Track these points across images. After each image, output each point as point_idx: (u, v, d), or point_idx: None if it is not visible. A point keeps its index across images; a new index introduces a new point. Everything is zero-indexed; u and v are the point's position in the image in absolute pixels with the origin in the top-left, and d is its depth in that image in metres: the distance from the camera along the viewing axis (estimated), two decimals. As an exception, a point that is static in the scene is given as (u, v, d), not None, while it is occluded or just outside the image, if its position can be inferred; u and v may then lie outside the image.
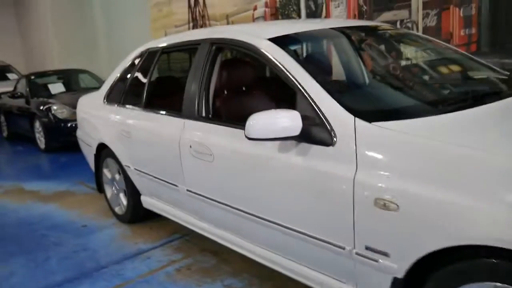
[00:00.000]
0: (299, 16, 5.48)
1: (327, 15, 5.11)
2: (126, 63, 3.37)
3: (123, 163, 3.20)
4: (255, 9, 6.04)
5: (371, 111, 1.79)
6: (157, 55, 3.01)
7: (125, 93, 3.24)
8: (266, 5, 5.88)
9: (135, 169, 3.06)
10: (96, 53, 9.23)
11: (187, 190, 2.52)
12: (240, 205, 2.15)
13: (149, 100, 2.95)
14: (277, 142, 1.87)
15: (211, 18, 6.69)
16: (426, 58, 2.33)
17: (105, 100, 3.48)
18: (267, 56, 2.05)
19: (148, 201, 3.17)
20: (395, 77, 2.14)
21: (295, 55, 2.09)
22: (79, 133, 4.09)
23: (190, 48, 2.82)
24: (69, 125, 6.27)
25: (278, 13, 5.74)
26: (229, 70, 2.60)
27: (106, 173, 3.63)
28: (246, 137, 1.78)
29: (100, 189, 3.86)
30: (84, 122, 3.90)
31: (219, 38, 2.47)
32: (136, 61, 3.24)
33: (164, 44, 3.04)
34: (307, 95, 1.80)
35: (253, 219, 2.09)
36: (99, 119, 3.52)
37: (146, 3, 7.25)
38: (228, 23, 6.51)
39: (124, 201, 3.46)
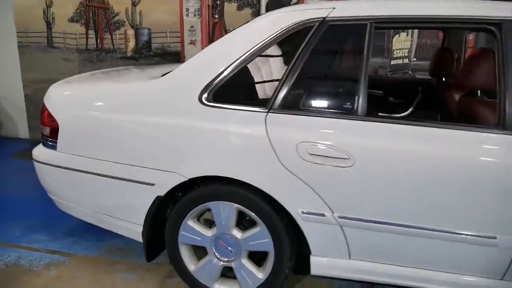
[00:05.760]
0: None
1: None
2: (256, 41, 1.93)
3: (298, 208, 1.87)
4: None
5: None
6: (365, 29, 1.84)
7: (279, 90, 1.87)
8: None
9: (343, 217, 1.83)
10: None
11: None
12: None
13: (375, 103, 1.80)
14: None
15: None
16: None
17: (206, 101, 1.94)
18: None
19: (331, 264, 1.97)
20: None
21: None
22: (78, 162, 2.19)
23: (460, 26, 1.85)
24: None
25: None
26: None
27: (196, 228, 2.08)
28: None
29: (150, 255, 2.22)
30: (121, 137, 2.09)
31: None
32: (295, 39, 1.91)
33: (380, 13, 1.83)
34: None
35: None
36: (199, 134, 1.94)
37: None
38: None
39: (255, 270, 2.05)
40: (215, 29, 4.60)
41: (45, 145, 2.33)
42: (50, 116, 2.25)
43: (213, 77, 1.96)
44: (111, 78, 2.56)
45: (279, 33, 1.93)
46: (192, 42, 4.76)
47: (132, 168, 2.07)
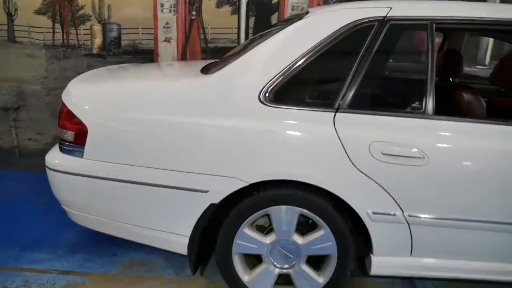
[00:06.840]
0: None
1: None
2: (316, 38, 1.84)
3: (367, 209, 1.83)
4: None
5: None
6: (426, 29, 1.85)
7: (347, 89, 1.82)
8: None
9: (413, 215, 1.82)
10: None
11: None
12: None
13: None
14: None
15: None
16: None
17: (267, 101, 1.83)
18: None
19: (392, 263, 1.95)
20: None
21: None
22: (114, 171, 1.95)
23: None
24: None
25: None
26: None
27: (254, 235, 1.96)
28: None
29: (196, 267, 2.06)
30: (169, 141, 1.89)
31: None
32: (356, 37, 1.86)
33: (442, 14, 1.84)
34: None
35: None
36: (261, 136, 1.83)
37: None
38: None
39: (315, 275, 1.98)
40: (192, 27, 4.42)
41: (64, 151, 2.05)
42: (72, 117, 1.99)
43: (274, 75, 1.86)
44: (146, 74, 2.34)
45: (339, 31, 1.88)
46: (167, 40, 4.53)
47: (181, 174, 1.89)
